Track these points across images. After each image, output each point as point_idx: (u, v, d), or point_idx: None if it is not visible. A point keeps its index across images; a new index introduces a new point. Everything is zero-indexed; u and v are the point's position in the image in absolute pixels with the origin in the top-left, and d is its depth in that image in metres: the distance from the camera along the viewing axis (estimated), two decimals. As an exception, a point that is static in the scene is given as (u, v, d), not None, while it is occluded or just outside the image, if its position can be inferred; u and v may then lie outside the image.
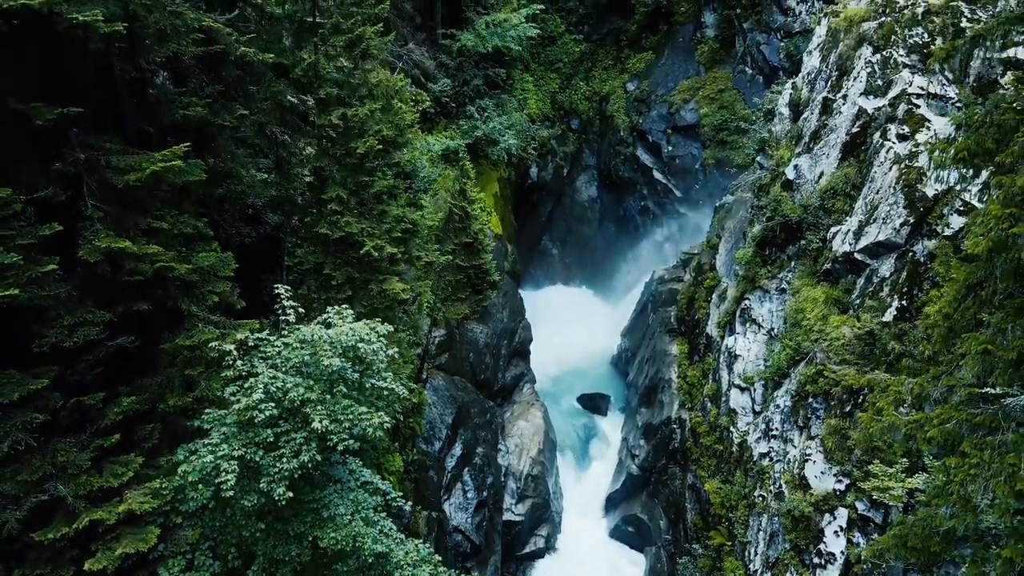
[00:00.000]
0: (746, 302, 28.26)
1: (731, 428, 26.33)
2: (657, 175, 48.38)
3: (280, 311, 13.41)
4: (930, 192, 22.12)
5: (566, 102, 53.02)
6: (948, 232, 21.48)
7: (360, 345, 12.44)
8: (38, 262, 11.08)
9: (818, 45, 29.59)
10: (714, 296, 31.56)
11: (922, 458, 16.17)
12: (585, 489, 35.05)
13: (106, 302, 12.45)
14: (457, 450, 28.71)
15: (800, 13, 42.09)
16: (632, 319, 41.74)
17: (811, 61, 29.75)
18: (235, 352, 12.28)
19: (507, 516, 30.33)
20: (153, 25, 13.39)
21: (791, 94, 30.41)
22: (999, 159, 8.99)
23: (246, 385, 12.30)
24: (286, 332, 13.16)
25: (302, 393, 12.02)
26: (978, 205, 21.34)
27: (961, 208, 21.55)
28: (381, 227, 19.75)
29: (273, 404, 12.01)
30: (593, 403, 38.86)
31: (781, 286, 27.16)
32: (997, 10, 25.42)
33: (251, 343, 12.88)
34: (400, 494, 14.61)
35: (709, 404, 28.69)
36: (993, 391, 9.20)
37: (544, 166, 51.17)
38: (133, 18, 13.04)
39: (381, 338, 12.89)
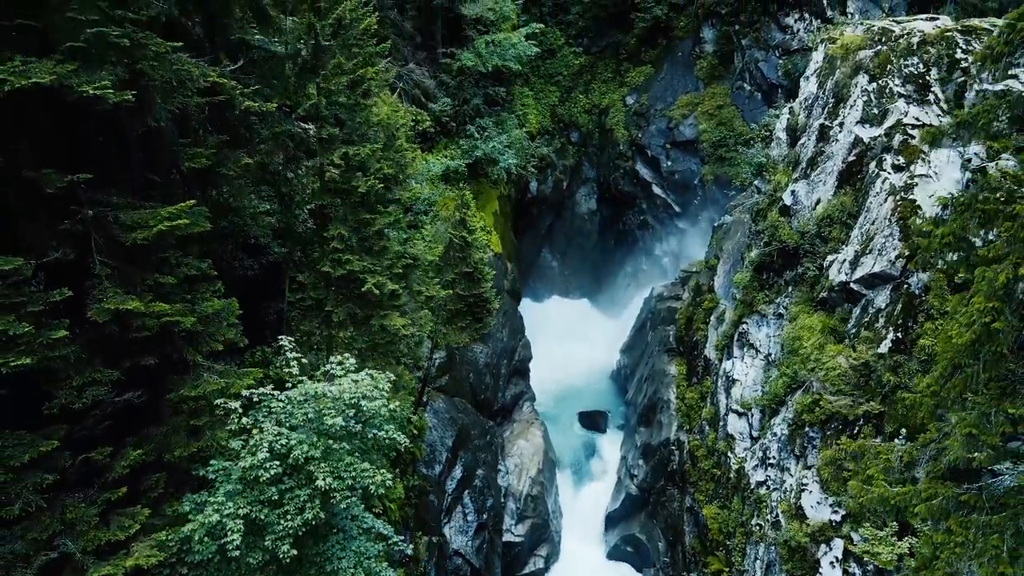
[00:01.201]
0: (744, 326, 28.51)
1: (729, 453, 26.58)
2: (656, 190, 48.64)
3: (284, 363, 13.67)
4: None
5: (565, 115, 53.31)
6: (942, 265, 21.72)
7: (363, 403, 12.71)
8: (49, 327, 11.32)
9: (815, 71, 29.81)
10: (712, 318, 31.81)
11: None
12: (584, 507, 35.29)
13: (113, 358, 12.70)
14: (457, 473, 28.97)
15: (798, 31, 42.33)
16: (631, 336, 42.00)
17: (808, 87, 29.98)
18: (240, 409, 12.53)
19: (507, 537, 30.60)
20: (159, 79, 13.64)
21: (788, 119, 30.64)
22: (982, 253, 9.25)
23: (251, 442, 12.56)
24: (289, 384, 13.42)
25: (306, 451, 12.28)
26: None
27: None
28: (382, 263, 20.01)
29: (277, 462, 12.27)
30: (592, 421, 39.13)
31: (779, 311, 27.39)
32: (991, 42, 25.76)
33: (256, 399, 13.14)
34: (401, 538, 14.87)
35: (707, 427, 28.95)
36: (981, 456, 9.43)
37: (544, 179, 51.46)
38: (140, 74, 13.31)
39: (383, 393, 13.15)
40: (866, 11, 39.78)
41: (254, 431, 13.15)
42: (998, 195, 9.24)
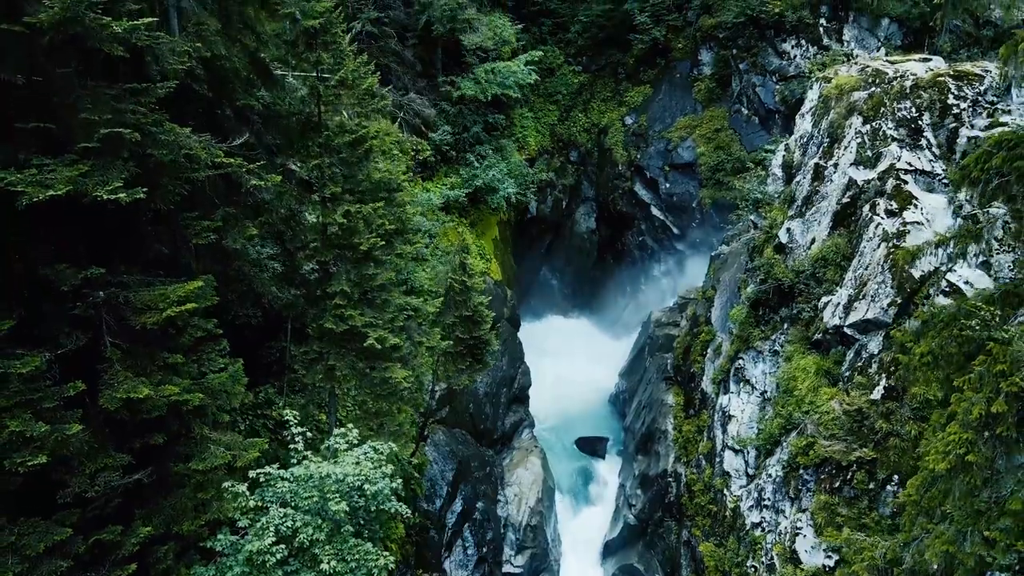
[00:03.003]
0: (740, 361, 28.89)
1: (725, 491, 26.99)
2: (655, 211, 48.98)
3: (289, 439, 14.08)
4: (917, 273, 22.78)
5: (564, 134, 53.61)
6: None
7: (366, 486, 13.12)
8: (63, 420, 11.71)
9: (810, 109, 30.22)
10: (709, 351, 32.19)
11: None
12: (583, 534, 35.69)
13: (123, 440, 13.11)
14: (457, 506, 29.37)
15: (795, 57, 42.70)
16: (630, 361, 42.41)
17: (803, 124, 30.38)
18: (247, 493, 12.95)
19: (506, 568, 31.01)
20: (168, 161, 14.03)
21: (784, 156, 31.05)
22: (957, 382, 9.66)
23: (258, 524, 12.97)
24: (295, 461, 13.83)
25: (311, 534, 12.70)
26: (963, 287, 22.12)
27: (947, 289, 22.21)
28: (384, 316, 20.40)
29: (283, 545, 12.68)
30: (591, 447, 39.52)
31: (774, 348, 27.76)
32: (983, 88, 26.14)
33: (262, 480, 13.55)
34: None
35: (704, 462, 29.35)
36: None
37: (543, 199, 51.86)
38: (148, 157, 13.71)
39: (386, 473, 13.55)
40: (862, 39, 40.20)
41: (259, 502, 13.55)
42: (974, 322, 9.62)
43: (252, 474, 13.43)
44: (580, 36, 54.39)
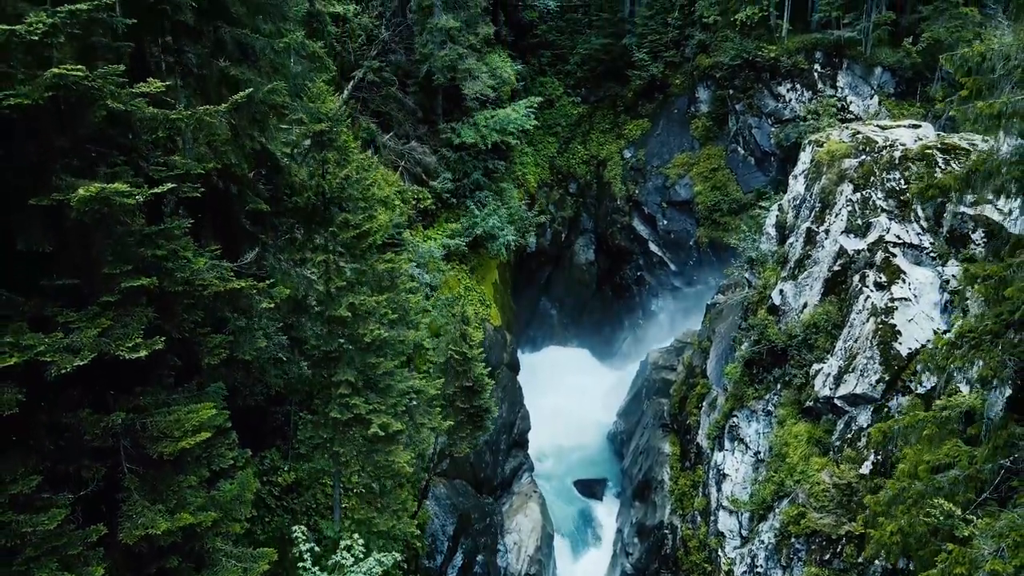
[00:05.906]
0: (734, 419, 29.57)
1: (719, 552, 27.68)
2: (653, 247, 49.71)
3: (298, 554, 14.78)
4: (904, 351, 23.47)
5: (564, 166, 54.32)
6: (921, 390, 22.84)
7: (372, 613, 13.87)
8: (87, 562, 12.38)
9: (803, 172, 30.84)
10: (704, 404, 32.87)
11: None
12: (582, 578, 36.49)
13: (140, 567, 13.78)
14: (458, 560, 30.05)
15: (790, 101, 43.34)
16: (627, 402, 43.09)
17: (796, 186, 31.00)
18: (260, 618, 13.67)
19: (506, 619, 31.73)
20: (181, 290, 14.70)
21: (777, 216, 31.68)
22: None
23: (270, 651, 13.68)
24: (303, 578, 14.56)
25: (320, 661, 13.43)
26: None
27: (933, 367, 22.87)
28: (388, 401, 21.07)
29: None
30: (590, 489, 40.22)
31: (768, 408, 28.45)
32: (970, 161, 26.77)
33: (273, 603, 14.27)
34: None
35: (699, 518, 30.05)
36: None
37: (543, 232, 52.49)
38: (163, 287, 14.38)
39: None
40: (855, 87, 40.84)
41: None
42: (937, 512, 10.31)
43: (261, 568, 14.10)
44: (579, 68, 55.15)
